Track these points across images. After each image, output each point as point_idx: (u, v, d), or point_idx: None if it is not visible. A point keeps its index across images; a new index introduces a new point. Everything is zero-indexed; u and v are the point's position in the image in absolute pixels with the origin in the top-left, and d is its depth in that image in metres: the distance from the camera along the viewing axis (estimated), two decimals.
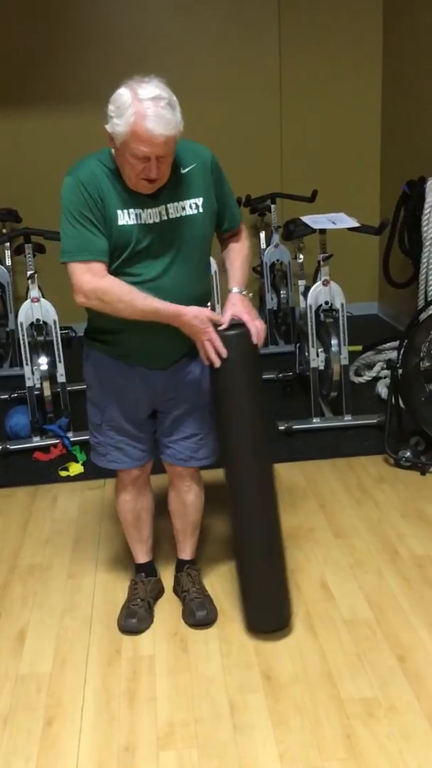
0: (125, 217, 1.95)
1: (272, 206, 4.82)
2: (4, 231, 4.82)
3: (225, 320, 2.07)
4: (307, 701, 1.98)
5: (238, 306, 2.10)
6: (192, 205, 2.00)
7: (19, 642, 2.26)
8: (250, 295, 2.17)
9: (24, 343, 3.52)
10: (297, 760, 1.80)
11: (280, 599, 2.23)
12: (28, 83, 4.96)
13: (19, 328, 3.53)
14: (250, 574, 2.22)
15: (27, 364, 3.53)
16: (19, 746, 1.89)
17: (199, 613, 2.28)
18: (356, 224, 3.44)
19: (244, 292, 2.14)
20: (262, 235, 4.97)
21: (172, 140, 1.85)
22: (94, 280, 1.93)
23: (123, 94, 1.84)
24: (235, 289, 2.14)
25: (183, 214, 1.99)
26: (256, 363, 2.12)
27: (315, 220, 3.49)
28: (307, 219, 3.52)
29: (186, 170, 2.00)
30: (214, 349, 2.01)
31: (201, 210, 2.02)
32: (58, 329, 3.53)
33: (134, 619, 2.28)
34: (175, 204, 1.98)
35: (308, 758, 1.81)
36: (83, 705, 2.01)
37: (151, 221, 1.96)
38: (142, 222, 1.96)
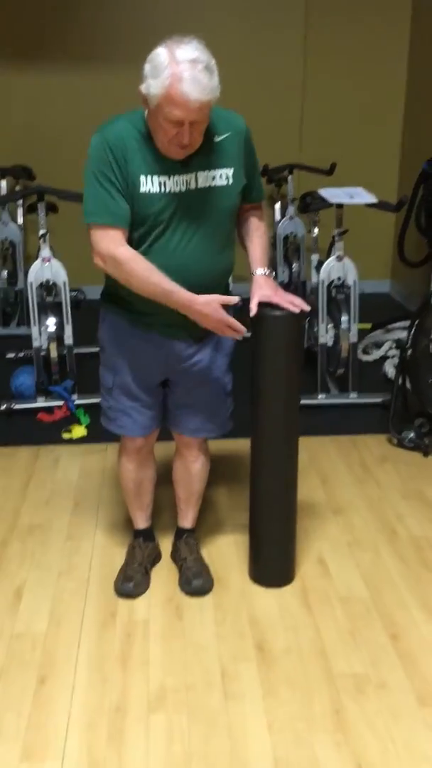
0: (148, 184, 1.90)
1: (289, 177, 4.75)
2: (18, 188, 4.77)
3: (253, 304, 2.06)
4: (299, 674, 2.00)
5: (264, 288, 2.08)
6: (222, 176, 1.96)
7: (16, 600, 2.28)
8: (273, 273, 2.13)
9: (33, 303, 3.50)
10: (285, 731, 1.82)
11: (290, 560, 2.36)
12: (47, 40, 4.86)
13: (29, 288, 3.50)
14: (266, 534, 2.32)
15: (35, 324, 3.52)
16: (12, 702, 1.91)
17: (195, 582, 2.30)
18: (374, 200, 3.39)
19: (267, 272, 2.11)
20: (277, 206, 4.90)
21: (207, 106, 1.79)
22: (110, 247, 1.91)
23: (160, 54, 1.77)
24: (258, 271, 2.10)
25: (213, 184, 1.95)
26: (294, 342, 2.13)
27: (332, 194, 3.44)
28: (324, 192, 3.47)
29: (220, 138, 1.95)
30: (232, 330, 1.98)
31: (231, 181, 1.97)
32: (67, 290, 3.50)
33: (131, 583, 2.30)
34: (206, 173, 1.93)
35: (296, 730, 1.83)
36: (77, 665, 2.03)
37: (177, 189, 1.91)
38: (167, 190, 1.91)
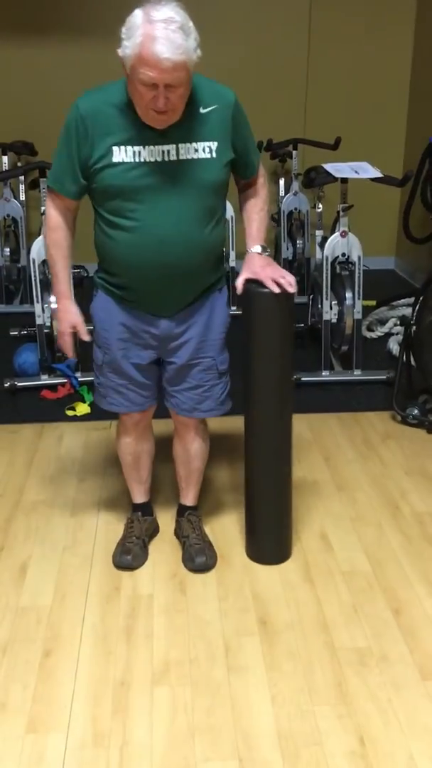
0: (121, 154, 1.87)
1: (294, 152, 4.70)
2: (19, 164, 4.73)
3: (239, 281, 2.05)
4: (301, 648, 2.01)
5: (253, 265, 2.06)
6: (205, 148, 1.91)
7: (21, 575, 2.30)
8: (268, 251, 2.11)
9: (36, 280, 3.49)
10: (288, 704, 1.84)
11: (286, 538, 2.36)
12: (47, 12, 4.80)
13: (32, 265, 3.49)
14: (261, 511, 2.33)
15: (38, 301, 3.51)
16: (17, 674, 1.93)
17: (198, 559, 2.31)
18: (379, 174, 3.36)
19: (260, 250, 2.08)
20: (282, 182, 4.86)
21: (181, 68, 1.74)
22: (48, 209, 2.05)
23: (135, 15, 1.75)
24: (252, 249, 2.09)
25: (194, 156, 1.90)
26: (283, 319, 2.10)
27: (337, 169, 3.40)
28: (329, 167, 3.43)
29: (205, 111, 1.91)
30: (62, 342, 2.16)
31: (214, 155, 1.92)
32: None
33: (129, 555, 2.32)
34: (187, 145, 1.89)
35: (299, 702, 1.85)
36: (81, 638, 2.05)
37: (152, 159, 1.87)
38: (141, 160, 1.87)
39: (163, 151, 1.88)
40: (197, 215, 1.95)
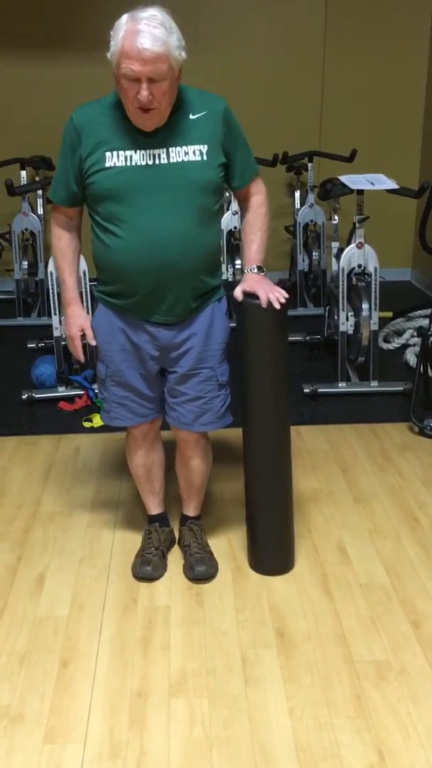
0: (113, 159, 1.92)
1: (309, 165, 4.71)
2: (37, 179, 4.79)
3: (237, 292, 2.07)
4: (319, 660, 2.00)
5: (250, 280, 2.09)
6: (196, 151, 1.94)
7: (38, 585, 2.30)
8: (264, 272, 2.12)
9: (53, 293, 3.52)
10: (306, 716, 1.83)
11: (287, 548, 2.36)
12: (67, 29, 4.87)
13: (49, 278, 3.52)
14: (261, 522, 2.32)
15: (55, 314, 3.54)
16: (35, 685, 1.94)
17: (198, 568, 2.30)
18: (395, 186, 3.36)
19: (256, 270, 2.10)
20: (297, 194, 4.87)
21: (163, 60, 1.79)
22: (52, 221, 2.13)
23: (122, 17, 1.84)
24: (248, 269, 2.12)
25: (185, 159, 1.94)
26: (273, 331, 2.10)
27: (353, 180, 3.41)
28: (345, 179, 3.44)
29: (195, 116, 1.96)
30: (73, 348, 2.20)
31: (205, 158, 1.95)
32: (87, 280, 3.51)
33: (149, 566, 2.31)
34: (177, 148, 1.93)
35: (317, 715, 1.83)
36: (98, 649, 2.05)
37: (143, 162, 1.92)
38: (132, 164, 1.92)
39: (153, 155, 1.93)
40: (190, 215, 1.97)
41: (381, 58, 5.02)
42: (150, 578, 2.31)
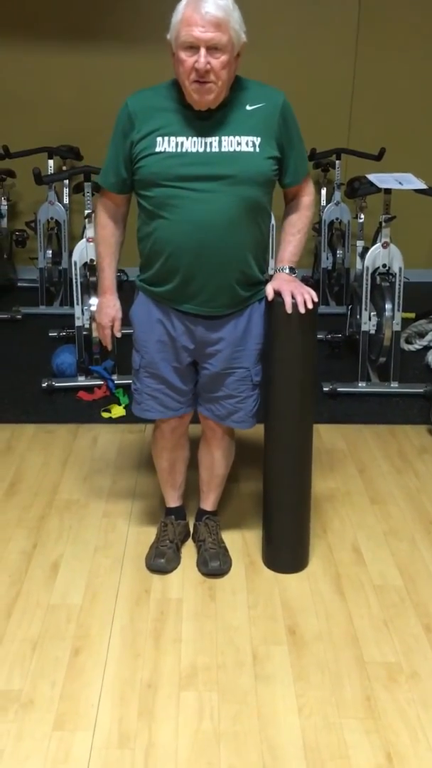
0: (164, 144, 1.92)
1: (337, 162, 4.69)
2: (64, 168, 4.80)
3: (268, 290, 2.06)
4: (330, 660, 2.00)
5: (279, 279, 2.08)
6: (249, 142, 1.93)
7: (53, 573, 2.32)
8: (295, 273, 2.11)
9: (76, 282, 3.53)
10: (315, 715, 1.82)
11: (303, 547, 2.36)
12: (95, 19, 4.87)
13: (73, 267, 3.53)
14: (278, 520, 2.32)
15: (78, 303, 3.55)
16: (46, 671, 1.95)
17: (212, 564, 2.30)
18: (424, 186, 3.33)
19: (287, 270, 2.09)
20: (324, 191, 4.85)
21: (223, 28, 1.80)
22: (98, 209, 2.14)
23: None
24: (279, 268, 2.11)
25: (237, 149, 1.92)
26: (300, 331, 2.09)
27: (381, 179, 3.39)
28: (372, 177, 3.42)
29: (252, 108, 1.95)
30: (103, 336, 2.24)
31: (258, 149, 1.94)
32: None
33: (163, 559, 2.32)
34: (230, 138, 1.92)
35: (326, 714, 1.83)
36: (110, 639, 2.06)
37: (194, 150, 1.91)
38: (183, 150, 1.91)
39: (205, 143, 1.92)
40: (238, 205, 1.95)
41: (414, 56, 4.97)
42: (163, 571, 2.31)
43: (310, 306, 2.04)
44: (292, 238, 2.13)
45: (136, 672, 1.95)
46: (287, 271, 2.10)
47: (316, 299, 2.05)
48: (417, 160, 4.76)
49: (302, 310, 2.03)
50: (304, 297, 2.03)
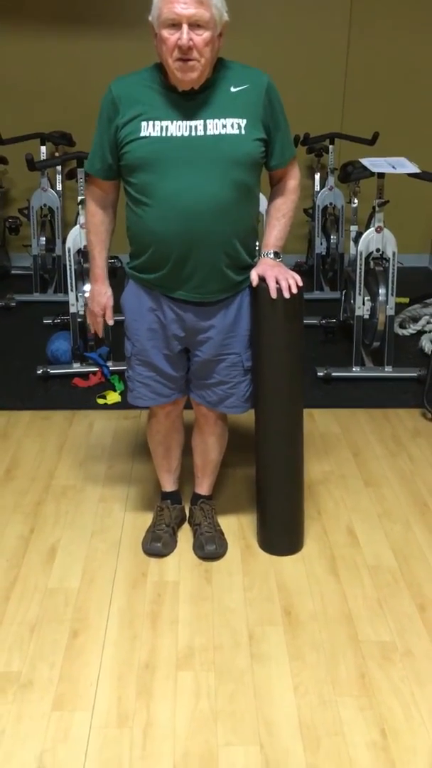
0: (148, 129, 1.91)
1: (330, 147, 4.68)
2: (57, 154, 4.78)
3: (253, 275, 2.06)
4: (325, 639, 2.02)
5: (264, 264, 2.08)
6: (234, 125, 1.92)
7: (50, 557, 2.34)
8: (280, 258, 2.11)
9: (70, 269, 3.53)
10: (310, 694, 1.85)
11: (296, 529, 2.38)
12: (87, 4, 4.83)
13: (67, 254, 3.53)
14: (271, 503, 2.34)
15: (72, 290, 3.55)
16: (45, 653, 1.97)
17: (208, 547, 2.32)
18: (417, 170, 3.33)
19: (271, 255, 2.09)
20: (317, 176, 4.84)
21: (204, 3, 1.80)
22: (87, 197, 2.15)
23: None
24: (265, 253, 2.10)
25: (223, 132, 1.91)
26: (285, 316, 2.09)
27: (374, 163, 3.39)
28: (366, 161, 3.42)
29: (236, 90, 1.94)
30: (94, 322, 2.25)
31: (243, 131, 1.93)
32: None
33: (159, 543, 2.34)
34: (215, 120, 1.91)
35: (322, 693, 1.86)
36: (108, 621, 2.08)
37: (179, 134, 1.90)
38: (168, 135, 1.91)
39: (190, 127, 1.91)
40: (224, 188, 1.94)
41: (406, 40, 4.95)
42: (160, 554, 2.33)
43: (294, 291, 2.04)
44: (276, 222, 2.12)
45: (134, 653, 1.98)
46: (272, 256, 2.10)
47: (300, 284, 2.06)
48: (410, 145, 4.76)
49: (287, 295, 2.03)
50: (289, 282, 2.04)
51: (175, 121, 1.91)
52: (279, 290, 2.04)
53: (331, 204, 4.70)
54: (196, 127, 1.91)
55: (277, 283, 2.04)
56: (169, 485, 2.48)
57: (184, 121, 1.91)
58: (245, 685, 1.88)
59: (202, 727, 1.76)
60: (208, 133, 1.91)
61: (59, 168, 4.73)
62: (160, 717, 1.79)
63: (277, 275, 2.04)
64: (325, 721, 1.78)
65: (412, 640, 2.02)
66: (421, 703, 1.83)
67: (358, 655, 1.97)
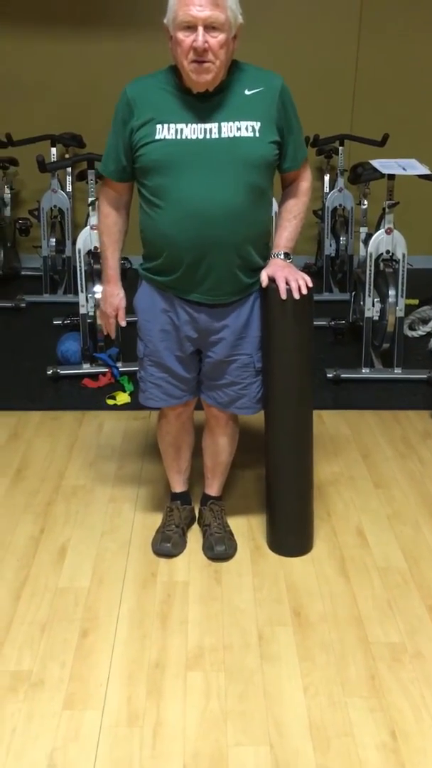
0: (163, 131, 1.92)
1: (340, 148, 4.68)
2: (67, 156, 4.80)
3: (263, 276, 2.06)
4: (335, 640, 2.02)
5: (274, 265, 2.08)
6: (248, 127, 1.93)
7: (60, 557, 2.35)
8: (291, 259, 2.11)
9: (81, 270, 3.54)
10: (320, 695, 1.85)
11: (306, 531, 2.38)
12: (99, 6, 4.85)
13: (77, 255, 3.55)
14: (280, 504, 2.35)
15: (82, 291, 3.56)
16: (55, 653, 1.98)
17: (218, 548, 2.33)
18: (428, 172, 3.33)
19: (282, 256, 2.09)
20: (327, 178, 4.84)
21: (221, 7, 1.81)
22: (100, 195, 2.16)
23: None
24: (275, 254, 2.11)
25: (237, 134, 1.92)
26: (295, 317, 2.10)
27: (384, 165, 3.39)
28: (376, 163, 3.42)
29: (250, 92, 1.95)
30: (106, 323, 2.26)
31: (257, 134, 1.93)
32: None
33: (169, 543, 2.35)
34: (230, 123, 1.92)
35: (331, 693, 1.86)
36: (118, 621, 2.09)
37: (194, 137, 1.91)
38: (183, 138, 1.91)
39: (205, 129, 1.92)
40: (238, 191, 1.95)
41: (416, 41, 4.94)
42: (169, 555, 2.34)
43: (304, 291, 2.05)
44: (288, 224, 2.13)
45: (144, 652, 1.98)
46: (282, 256, 2.10)
47: (310, 284, 2.06)
48: (421, 146, 4.75)
49: (296, 296, 2.04)
50: (299, 283, 2.04)
51: (189, 124, 1.91)
52: (289, 291, 2.04)
53: (340, 205, 4.70)
54: (210, 129, 1.91)
55: (287, 284, 2.04)
56: (178, 486, 2.49)
57: (199, 124, 1.91)
58: (255, 685, 1.88)
59: (212, 727, 1.77)
60: (223, 135, 1.92)
61: (69, 170, 4.75)
62: (170, 717, 1.79)
63: (287, 276, 2.05)
64: (334, 722, 1.78)
65: (422, 642, 2.01)
66: (431, 704, 1.82)
67: (368, 657, 1.97)
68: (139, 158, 1.97)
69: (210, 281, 2.04)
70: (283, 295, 2.04)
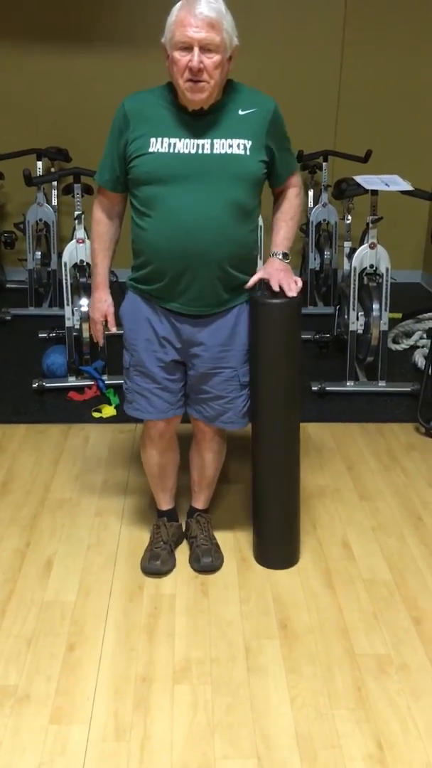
0: (157, 145, 1.96)
1: (324, 164, 4.74)
2: (53, 170, 4.82)
3: (252, 279, 2.10)
4: (321, 652, 2.03)
5: (270, 266, 2.11)
6: (240, 145, 1.97)
7: (46, 570, 2.34)
8: (288, 259, 2.14)
9: (66, 283, 3.55)
10: (307, 706, 1.86)
11: (292, 543, 2.39)
12: (85, 22, 4.89)
13: (63, 269, 3.55)
14: (267, 517, 2.35)
15: (68, 304, 3.57)
16: (42, 667, 1.97)
17: (205, 560, 2.33)
18: (410, 188, 3.38)
19: (280, 256, 2.12)
20: (311, 193, 4.90)
21: (216, 28, 1.85)
22: (95, 203, 2.18)
23: (177, 3, 1.91)
24: (272, 253, 2.14)
25: (228, 151, 1.97)
26: (283, 329, 2.12)
27: (368, 181, 3.43)
28: (360, 179, 3.46)
29: (244, 113, 2.00)
30: (95, 331, 2.28)
31: (248, 152, 1.98)
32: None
33: (158, 561, 2.34)
34: (222, 140, 1.97)
35: (318, 705, 1.86)
36: (104, 634, 2.08)
37: (185, 151, 1.95)
38: (175, 152, 1.95)
39: (197, 145, 1.96)
40: (227, 207, 1.99)
41: (399, 59, 5.03)
42: (159, 573, 2.33)
43: (293, 294, 2.07)
44: (283, 224, 2.17)
45: (131, 666, 1.98)
46: (280, 256, 2.13)
47: (300, 285, 2.10)
48: (403, 162, 4.82)
49: (289, 294, 2.07)
50: (291, 285, 2.08)
51: (183, 139, 1.95)
52: (282, 295, 2.07)
53: (324, 220, 4.75)
54: (203, 145, 1.95)
55: (280, 288, 2.08)
56: (165, 504, 2.48)
57: (192, 139, 1.95)
58: (242, 697, 1.89)
59: (200, 740, 1.77)
60: (215, 151, 1.96)
61: (55, 183, 4.76)
62: (157, 730, 1.79)
63: (281, 280, 2.08)
64: (322, 734, 1.78)
65: (407, 653, 2.03)
66: (417, 716, 1.84)
67: (354, 668, 1.98)
68: (132, 169, 2.01)
69: (191, 293, 2.07)
70: (277, 289, 2.06)
